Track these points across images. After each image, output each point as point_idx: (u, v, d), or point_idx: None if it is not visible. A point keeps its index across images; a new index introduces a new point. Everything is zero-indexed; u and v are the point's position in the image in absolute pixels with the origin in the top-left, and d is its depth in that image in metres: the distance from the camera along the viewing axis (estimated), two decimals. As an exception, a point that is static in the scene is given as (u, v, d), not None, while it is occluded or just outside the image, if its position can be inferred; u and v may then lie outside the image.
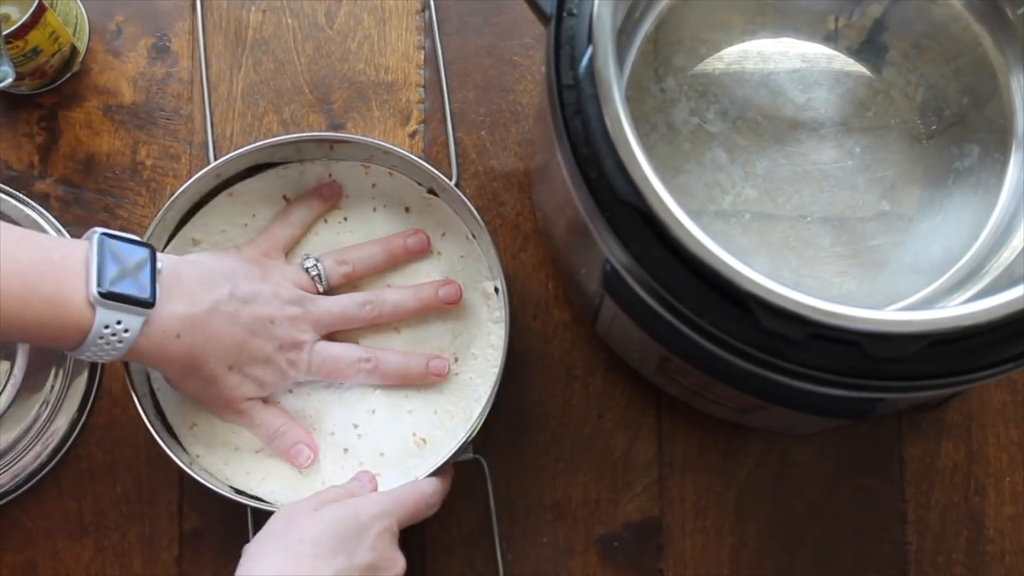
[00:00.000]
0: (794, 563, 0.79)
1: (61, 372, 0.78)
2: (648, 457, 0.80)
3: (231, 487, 0.73)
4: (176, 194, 0.74)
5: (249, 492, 0.73)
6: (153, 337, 0.64)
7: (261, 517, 0.77)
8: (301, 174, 0.78)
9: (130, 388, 0.72)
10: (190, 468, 0.71)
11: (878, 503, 0.79)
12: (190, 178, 0.74)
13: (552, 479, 0.79)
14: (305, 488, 0.74)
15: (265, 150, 0.75)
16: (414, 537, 0.79)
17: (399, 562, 0.64)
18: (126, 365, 0.72)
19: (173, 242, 0.76)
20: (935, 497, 0.79)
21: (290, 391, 0.76)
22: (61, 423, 0.78)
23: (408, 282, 0.77)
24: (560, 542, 0.79)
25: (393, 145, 0.75)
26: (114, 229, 0.65)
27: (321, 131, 0.82)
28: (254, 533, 0.77)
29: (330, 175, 0.78)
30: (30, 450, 0.77)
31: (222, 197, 0.77)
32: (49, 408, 0.78)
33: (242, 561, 0.62)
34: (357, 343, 0.76)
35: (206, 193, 0.77)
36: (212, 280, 0.68)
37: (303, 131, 0.81)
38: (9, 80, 0.72)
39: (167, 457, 0.71)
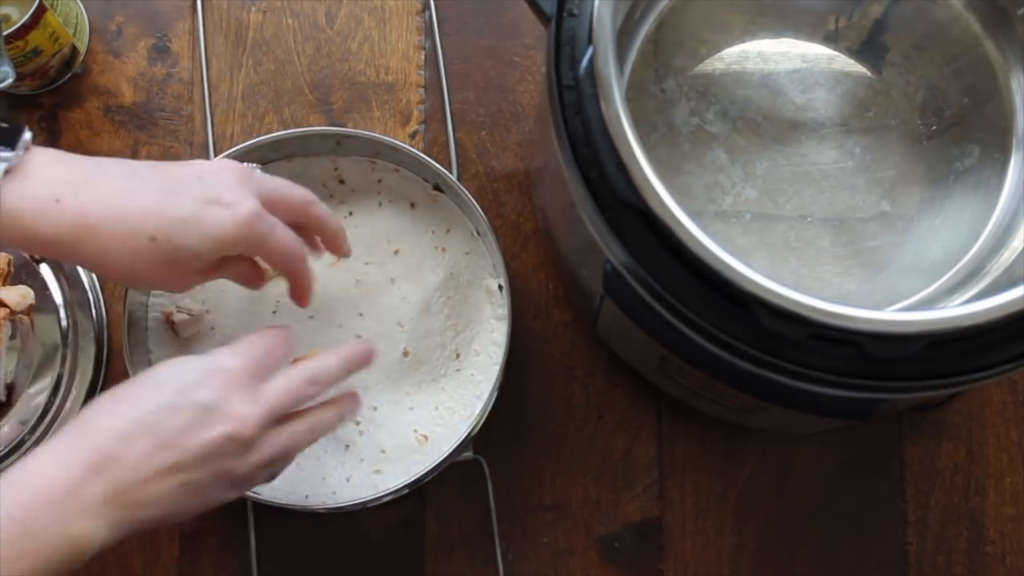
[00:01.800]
0: (794, 563, 0.79)
1: (65, 373, 0.78)
2: (648, 457, 0.80)
3: None
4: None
5: (248, 489, 0.73)
6: (29, 197, 0.56)
7: (261, 515, 0.77)
8: (305, 168, 0.78)
9: (131, 373, 0.72)
10: None
11: (878, 503, 0.79)
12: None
13: (552, 479, 0.79)
14: (304, 485, 0.74)
15: (270, 145, 0.76)
16: (414, 537, 0.79)
17: (243, 413, 0.57)
18: (128, 356, 0.72)
19: None
20: (935, 497, 0.79)
21: None
22: (65, 423, 0.78)
23: (413, 281, 0.77)
24: (560, 542, 0.79)
25: (400, 141, 0.75)
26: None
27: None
28: (254, 532, 0.77)
29: (336, 169, 0.78)
30: (34, 452, 0.77)
31: None
32: (53, 410, 0.78)
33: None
34: (360, 338, 0.77)
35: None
36: (101, 161, 0.60)
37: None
38: (9, 80, 0.72)
39: (167, 457, 0.70)
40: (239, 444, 0.57)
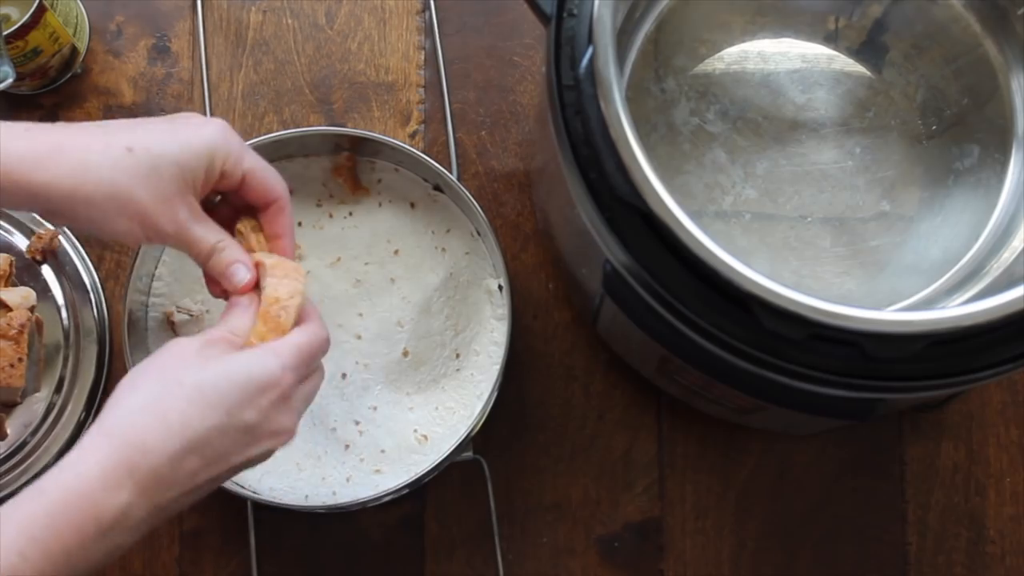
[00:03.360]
0: (794, 563, 0.79)
1: (68, 374, 0.78)
2: (648, 457, 0.80)
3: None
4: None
5: (247, 487, 0.73)
6: None
7: (261, 515, 0.77)
8: (306, 168, 0.78)
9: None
10: None
11: (878, 503, 0.79)
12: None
13: (552, 479, 0.79)
14: (304, 484, 0.74)
15: (270, 145, 0.76)
16: (414, 537, 0.79)
17: (285, 428, 0.58)
18: (128, 356, 0.72)
19: None
20: (935, 497, 0.79)
21: None
22: (67, 425, 0.78)
23: (413, 281, 0.77)
24: (560, 542, 0.79)
25: (400, 141, 0.75)
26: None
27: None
28: (255, 532, 0.77)
29: (334, 169, 0.78)
30: (36, 453, 0.77)
31: None
32: (56, 411, 0.78)
33: (120, 384, 0.56)
34: (360, 338, 0.77)
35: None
36: None
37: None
38: (10, 80, 0.72)
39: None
40: (276, 449, 0.58)
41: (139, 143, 0.57)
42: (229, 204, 0.64)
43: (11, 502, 0.51)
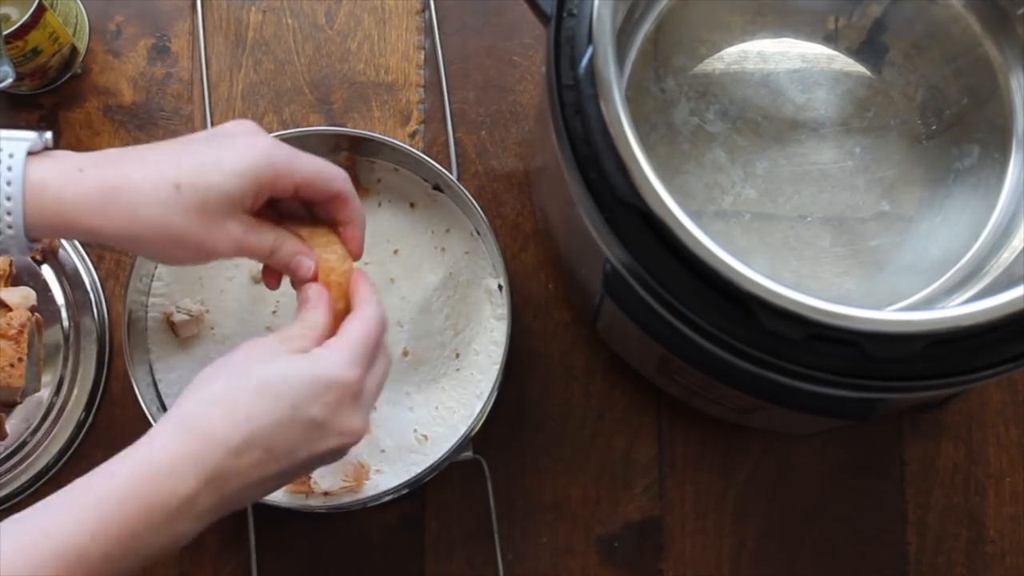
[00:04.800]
0: (794, 563, 0.79)
1: (67, 373, 0.78)
2: (648, 457, 0.80)
3: None
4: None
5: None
6: (53, 170, 0.58)
7: (261, 515, 0.77)
8: (305, 169, 0.78)
9: (131, 377, 0.72)
10: None
11: (878, 503, 0.79)
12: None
13: (552, 479, 0.79)
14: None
15: None
16: (414, 537, 0.79)
17: (355, 427, 0.58)
18: (128, 356, 0.72)
19: None
20: (935, 497, 0.79)
21: None
22: (67, 425, 0.78)
23: (412, 281, 0.77)
24: (560, 542, 0.79)
25: (400, 141, 0.75)
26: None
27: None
28: (255, 532, 0.77)
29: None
30: (36, 453, 0.77)
31: None
32: (56, 410, 0.78)
33: (197, 377, 0.58)
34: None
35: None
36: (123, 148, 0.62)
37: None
38: (9, 80, 0.72)
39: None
40: (344, 451, 0.59)
41: (185, 178, 0.58)
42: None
43: (82, 481, 0.53)
